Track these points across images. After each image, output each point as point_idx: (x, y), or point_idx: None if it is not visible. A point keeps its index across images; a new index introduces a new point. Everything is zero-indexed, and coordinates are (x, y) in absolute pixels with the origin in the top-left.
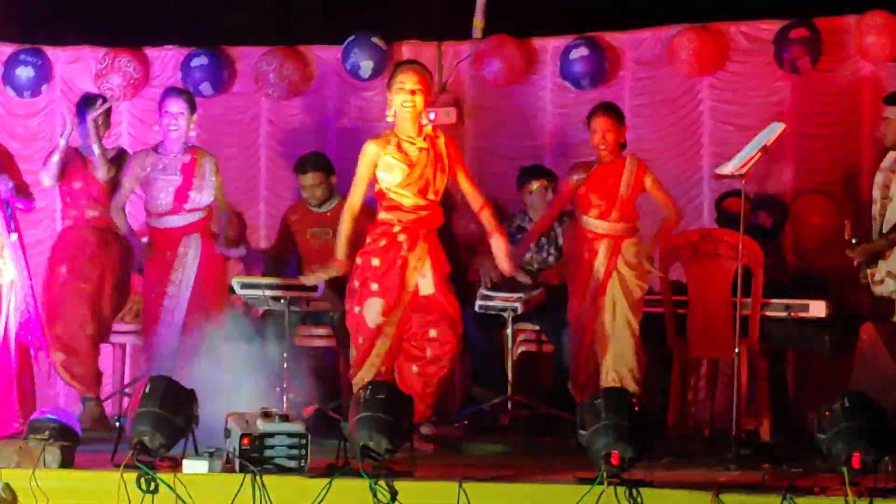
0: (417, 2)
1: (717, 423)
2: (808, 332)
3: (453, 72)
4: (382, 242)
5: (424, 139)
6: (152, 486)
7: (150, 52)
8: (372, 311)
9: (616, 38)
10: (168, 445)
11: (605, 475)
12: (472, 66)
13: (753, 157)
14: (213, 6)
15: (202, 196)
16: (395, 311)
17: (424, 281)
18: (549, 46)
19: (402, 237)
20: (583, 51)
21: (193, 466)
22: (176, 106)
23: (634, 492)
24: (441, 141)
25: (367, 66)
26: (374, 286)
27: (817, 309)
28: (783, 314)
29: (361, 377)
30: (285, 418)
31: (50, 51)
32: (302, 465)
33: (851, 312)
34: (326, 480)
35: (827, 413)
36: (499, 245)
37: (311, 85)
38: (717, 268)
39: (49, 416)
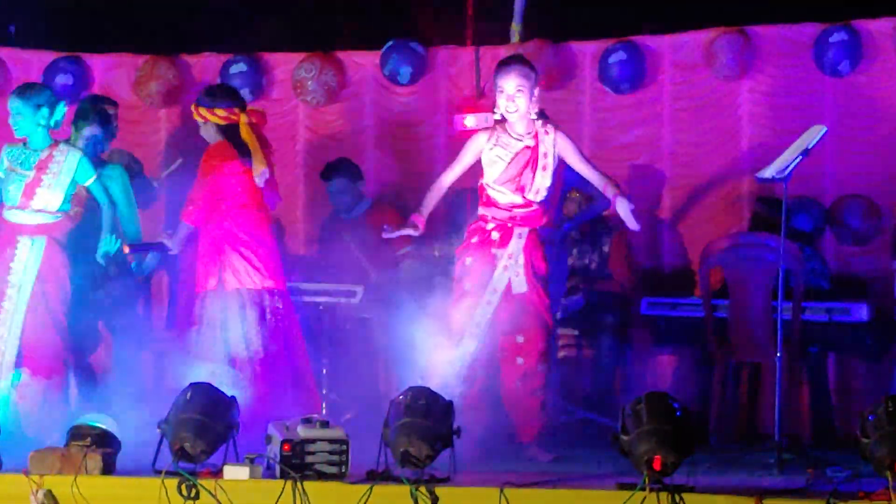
0: (455, 7)
1: (759, 427)
2: (850, 335)
3: (491, 77)
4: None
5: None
6: (193, 493)
7: (189, 59)
8: (463, 310)
9: (655, 41)
10: (209, 452)
11: (647, 481)
12: None
13: (795, 160)
14: (251, 13)
15: (53, 196)
16: (485, 309)
17: (517, 279)
18: (588, 51)
19: (495, 235)
20: (622, 55)
21: (234, 473)
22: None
23: (677, 497)
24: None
25: (405, 71)
26: (468, 285)
27: (859, 312)
28: (824, 317)
29: (449, 383)
30: (326, 424)
31: (89, 58)
32: (343, 471)
33: (893, 316)
34: (367, 486)
35: (870, 417)
36: (623, 206)
37: (349, 91)
38: (758, 271)
39: (91, 421)
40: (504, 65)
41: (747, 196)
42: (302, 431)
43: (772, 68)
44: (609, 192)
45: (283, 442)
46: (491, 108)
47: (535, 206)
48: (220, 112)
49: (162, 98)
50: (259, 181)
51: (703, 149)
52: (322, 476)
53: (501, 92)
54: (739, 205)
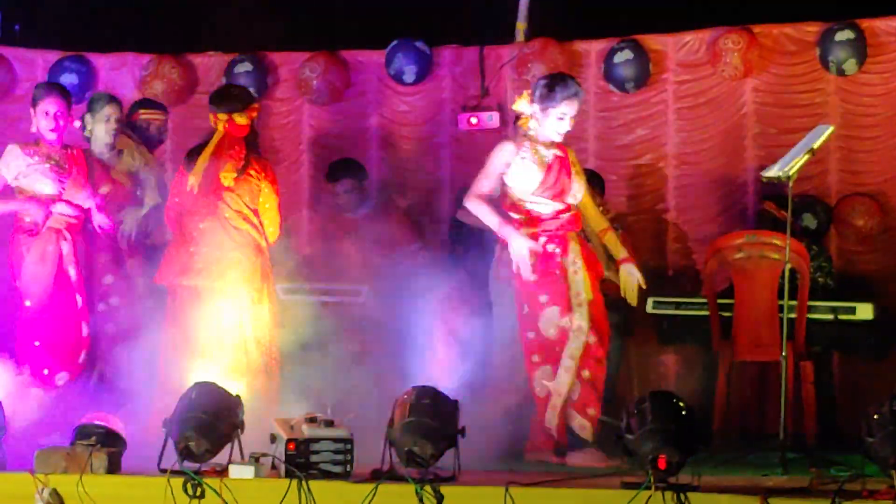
0: (459, 6)
1: (764, 426)
2: (854, 334)
3: (496, 76)
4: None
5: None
6: (199, 492)
7: (194, 58)
8: (552, 320)
9: (659, 40)
10: (213, 451)
11: (651, 480)
12: (515, 69)
13: (800, 159)
14: (256, 13)
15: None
16: (579, 311)
17: (585, 285)
18: (593, 50)
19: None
20: (627, 54)
21: (240, 472)
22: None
23: (682, 496)
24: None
25: (410, 70)
26: (544, 298)
27: (864, 311)
28: (829, 317)
29: (560, 389)
30: (330, 423)
31: (94, 58)
32: (347, 470)
33: None
34: (372, 486)
35: (875, 416)
36: (632, 274)
37: (353, 90)
38: (763, 270)
39: (96, 421)
40: (565, 87)
41: (752, 195)
42: (307, 430)
43: (776, 67)
44: (616, 251)
45: (288, 441)
46: (496, 107)
47: (574, 209)
48: (210, 116)
49: (167, 97)
50: (188, 188)
51: (708, 148)
52: (327, 475)
53: (562, 117)
54: (744, 203)
